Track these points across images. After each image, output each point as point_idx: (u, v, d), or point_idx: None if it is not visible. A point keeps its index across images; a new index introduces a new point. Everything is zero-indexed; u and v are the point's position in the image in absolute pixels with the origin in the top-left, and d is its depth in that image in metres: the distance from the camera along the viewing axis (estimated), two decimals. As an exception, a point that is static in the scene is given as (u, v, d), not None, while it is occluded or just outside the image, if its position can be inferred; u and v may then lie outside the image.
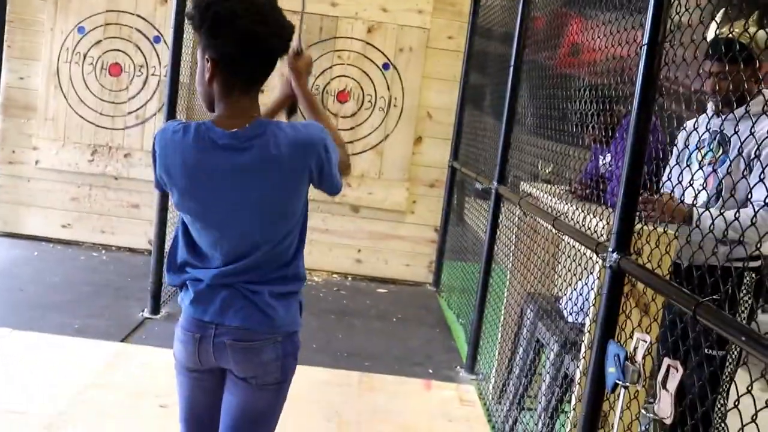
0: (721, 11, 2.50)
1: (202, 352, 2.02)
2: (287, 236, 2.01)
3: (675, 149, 3.02)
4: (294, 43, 2.12)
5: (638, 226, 2.18)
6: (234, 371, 2.04)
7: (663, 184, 2.81)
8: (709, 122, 2.87)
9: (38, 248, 6.21)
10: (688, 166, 2.81)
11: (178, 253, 2.05)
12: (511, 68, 4.25)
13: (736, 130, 2.03)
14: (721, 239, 1.84)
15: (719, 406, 3.05)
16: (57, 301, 4.96)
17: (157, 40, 6.23)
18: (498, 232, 4.33)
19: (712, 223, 1.82)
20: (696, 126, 2.67)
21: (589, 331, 2.52)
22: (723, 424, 3.04)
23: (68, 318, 4.65)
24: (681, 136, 2.99)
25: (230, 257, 1.98)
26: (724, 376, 2.99)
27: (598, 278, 2.46)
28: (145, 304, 4.89)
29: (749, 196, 1.94)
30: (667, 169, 2.86)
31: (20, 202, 6.40)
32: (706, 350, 2.60)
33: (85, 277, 5.59)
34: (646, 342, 1.95)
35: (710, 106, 2.97)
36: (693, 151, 2.84)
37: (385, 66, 6.34)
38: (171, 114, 4.70)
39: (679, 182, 2.63)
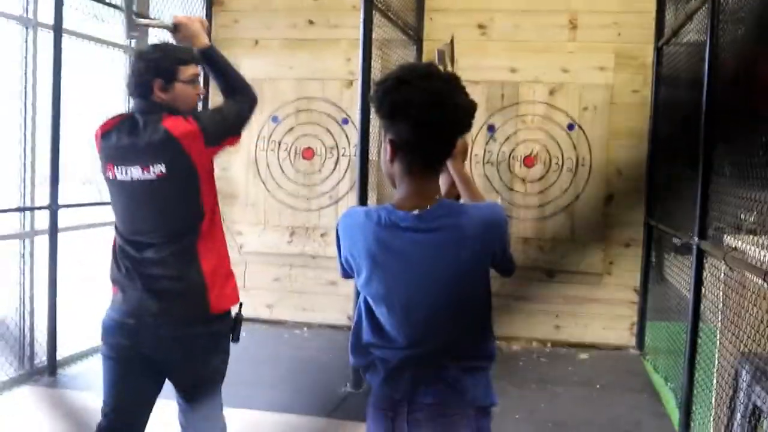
0: None
1: (396, 429, 2.01)
2: (473, 317, 1.99)
3: None
4: None
5: None
6: None
7: None
8: None
9: (246, 328, 6.48)
10: None
11: (363, 334, 2.06)
12: (703, 115, 4.06)
13: None
14: None
15: None
16: (266, 378, 5.17)
17: (345, 121, 6.51)
18: (703, 290, 4.09)
19: None
20: None
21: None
22: None
23: (277, 394, 4.83)
24: None
25: (415, 339, 1.97)
26: None
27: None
28: (348, 378, 5.00)
29: None
30: None
31: (228, 285, 6.78)
32: None
33: (291, 354, 5.81)
34: None
35: None
36: None
37: (570, 126, 6.25)
38: (363, 192, 4.85)
39: None
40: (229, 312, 2.87)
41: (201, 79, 2.88)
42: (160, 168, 2.64)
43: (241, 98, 2.87)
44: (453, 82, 1.93)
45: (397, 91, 1.89)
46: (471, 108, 1.95)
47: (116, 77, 5.78)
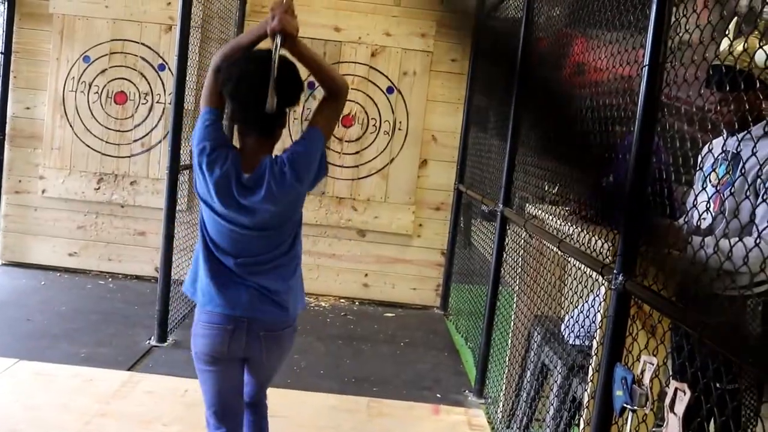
0: (733, 22, 2.39)
1: (233, 342, 2.34)
2: (289, 230, 2.42)
3: (700, 173, 2.85)
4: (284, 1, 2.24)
5: (643, 248, 2.15)
6: (262, 359, 2.42)
7: (689, 210, 2.74)
8: (725, 143, 2.77)
9: (45, 277, 6.21)
10: (703, 189, 2.72)
11: (200, 264, 2.39)
12: (515, 88, 4.24)
13: (754, 151, 1.94)
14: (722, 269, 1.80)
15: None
16: (64, 329, 4.95)
17: (161, 67, 6.26)
18: (504, 255, 4.31)
19: (714, 252, 1.78)
20: (711, 148, 2.59)
21: (596, 354, 2.49)
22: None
23: (76, 347, 4.64)
24: (701, 159, 2.87)
25: (237, 248, 2.36)
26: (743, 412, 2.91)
27: (605, 300, 2.43)
28: (152, 331, 4.87)
29: (752, 218, 1.90)
30: (691, 195, 2.78)
31: (27, 231, 6.41)
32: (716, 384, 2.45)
33: (93, 306, 5.58)
34: (653, 365, 1.93)
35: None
36: (708, 173, 2.75)
37: (389, 90, 6.35)
38: (176, 141, 4.72)
39: (694, 206, 2.58)
40: None
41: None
42: None
43: None
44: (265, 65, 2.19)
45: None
46: (287, 89, 2.31)
47: None
